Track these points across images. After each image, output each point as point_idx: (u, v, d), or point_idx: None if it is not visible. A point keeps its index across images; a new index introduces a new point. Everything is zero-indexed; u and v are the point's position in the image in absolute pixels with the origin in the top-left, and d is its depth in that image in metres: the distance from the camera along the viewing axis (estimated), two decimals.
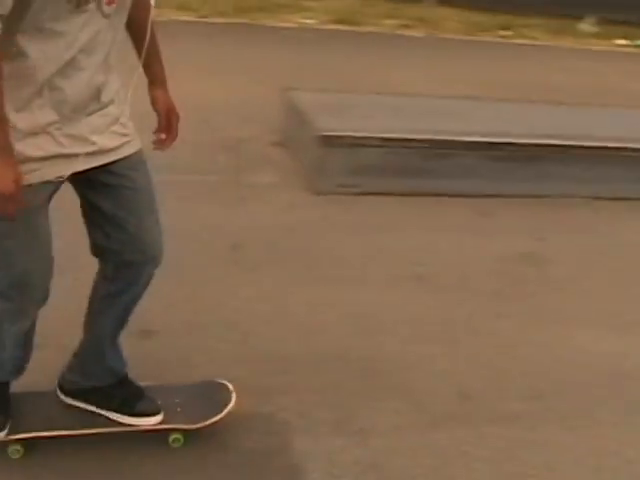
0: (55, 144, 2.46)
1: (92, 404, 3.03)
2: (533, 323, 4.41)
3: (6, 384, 2.92)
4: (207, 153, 6.40)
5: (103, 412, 3.02)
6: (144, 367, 3.29)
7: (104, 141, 2.59)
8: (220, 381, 3.27)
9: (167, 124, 2.89)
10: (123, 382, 3.08)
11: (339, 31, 12.05)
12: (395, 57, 10.33)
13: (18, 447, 2.91)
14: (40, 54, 2.31)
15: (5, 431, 2.87)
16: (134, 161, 2.72)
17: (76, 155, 2.51)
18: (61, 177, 2.52)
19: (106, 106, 2.58)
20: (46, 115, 2.41)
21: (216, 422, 3.09)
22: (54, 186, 2.54)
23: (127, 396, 3.05)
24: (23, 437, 2.89)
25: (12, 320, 2.72)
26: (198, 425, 3.06)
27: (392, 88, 8.27)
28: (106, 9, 2.37)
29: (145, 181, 2.78)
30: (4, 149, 2.32)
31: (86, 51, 2.40)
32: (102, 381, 3.03)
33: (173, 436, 3.05)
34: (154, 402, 3.07)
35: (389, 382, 3.71)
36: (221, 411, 3.11)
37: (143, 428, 3.02)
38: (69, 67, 2.38)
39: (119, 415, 3.01)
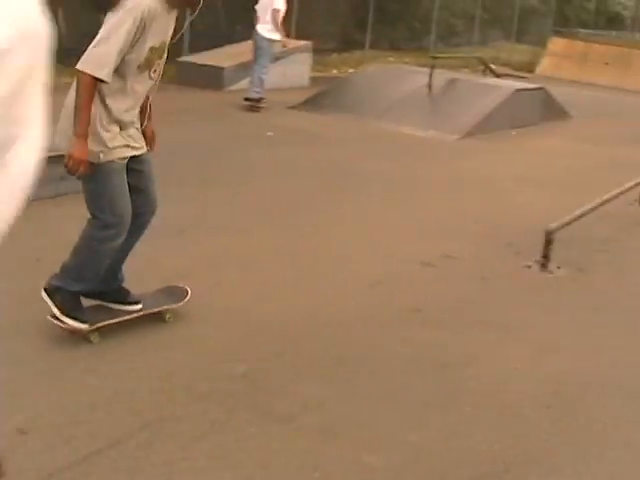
0: (121, 139, 4.57)
1: (110, 302, 5.04)
2: None
3: (79, 293, 4.83)
4: None
5: (116, 306, 5.02)
6: None
7: (139, 142, 4.75)
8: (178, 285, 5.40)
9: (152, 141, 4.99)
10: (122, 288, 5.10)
11: None
12: None
13: (96, 334, 4.82)
14: (114, 99, 4.48)
15: (87, 324, 4.75)
16: (146, 154, 4.84)
17: (130, 146, 4.64)
18: (125, 158, 4.61)
19: (136, 123, 4.74)
20: (115, 127, 4.53)
21: None
22: (122, 163, 4.61)
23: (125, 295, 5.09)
24: (98, 326, 4.81)
25: (112, 240, 4.68)
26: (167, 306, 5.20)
27: None
28: (153, 76, 4.60)
29: (150, 166, 4.89)
30: (84, 136, 4.35)
31: (138, 98, 4.62)
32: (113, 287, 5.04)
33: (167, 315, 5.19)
34: (138, 297, 5.12)
35: None
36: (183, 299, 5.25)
37: (143, 313, 5.07)
38: (130, 108, 4.58)
39: (125, 305, 5.04)
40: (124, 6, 4.26)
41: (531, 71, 27.98)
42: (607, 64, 28.06)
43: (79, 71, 4.28)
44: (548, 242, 6.87)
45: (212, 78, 15.10)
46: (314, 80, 17.13)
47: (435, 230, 7.77)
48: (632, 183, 9.13)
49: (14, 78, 1.83)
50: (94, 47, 4.29)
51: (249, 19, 14.21)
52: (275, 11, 13.54)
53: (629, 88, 25.35)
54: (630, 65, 27.99)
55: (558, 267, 6.92)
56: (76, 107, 4.32)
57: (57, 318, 4.72)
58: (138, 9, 4.25)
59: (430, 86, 14.26)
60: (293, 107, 14.08)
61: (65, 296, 4.74)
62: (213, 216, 7.56)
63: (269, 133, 11.80)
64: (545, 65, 28.47)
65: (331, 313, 5.57)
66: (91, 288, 4.85)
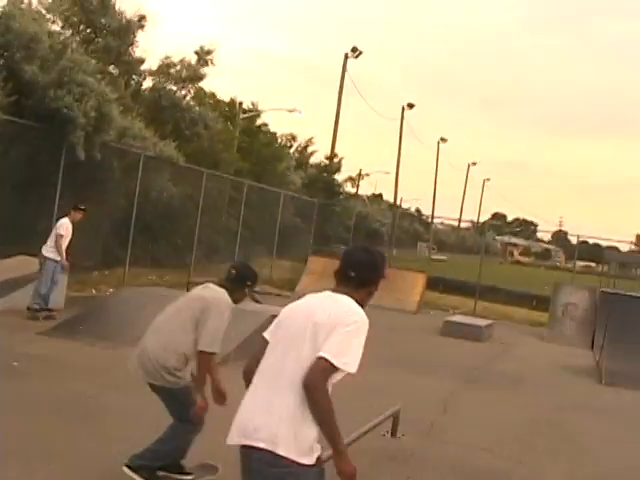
0: None
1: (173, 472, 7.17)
2: None
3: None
4: None
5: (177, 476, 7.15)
6: None
7: None
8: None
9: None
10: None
11: None
12: None
13: None
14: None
15: None
16: None
17: None
18: None
19: None
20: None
21: None
22: None
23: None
24: None
25: (192, 435, 7.01)
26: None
27: None
28: None
29: None
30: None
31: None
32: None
33: None
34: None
35: None
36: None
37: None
38: None
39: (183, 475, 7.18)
40: None
41: (292, 289, 28.57)
42: None
43: None
44: None
45: None
46: (71, 300, 16.66)
47: None
48: (382, 417, 9.23)
49: None
50: None
51: None
52: (58, 236, 15.21)
53: (385, 305, 26.20)
54: (385, 282, 28.93)
55: None
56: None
57: None
58: None
59: None
60: (43, 333, 13.55)
61: (150, 471, 6.93)
62: None
63: (15, 363, 11.23)
64: (305, 283, 29.12)
65: None
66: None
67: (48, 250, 15.15)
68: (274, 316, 14.14)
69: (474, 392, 13.78)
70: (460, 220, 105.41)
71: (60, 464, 7.39)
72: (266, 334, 4.98)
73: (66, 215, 15.68)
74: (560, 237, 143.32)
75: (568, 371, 18.06)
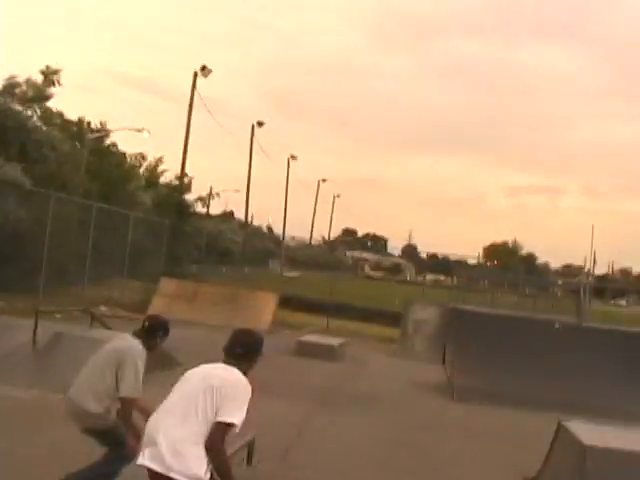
0: None
1: None
2: None
3: None
4: None
5: None
6: None
7: None
8: None
9: None
10: None
11: None
12: None
13: None
14: None
15: None
16: None
17: None
18: None
19: None
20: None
21: None
22: None
23: None
24: None
25: (123, 465, 7.45)
26: None
27: None
28: None
29: None
30: None
31: None
32: None
33: None
34: None
35: None
36: None
37: None
38: None
39: None
40: None
41: (143, 311, 28.22)
42: (216, 304, 28.99)
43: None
44: None
45: None
46: None
47: None
48: (236, 446, 9.19)
49: None
50: None
51: None
52: None
53: (237, 325, 26.11)
54: (237, 303, 29.15)
55: None
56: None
57: None
58: None
59: (34, 342, 13.84)
60: None
61: None
62: None
63: None
64: (156, 305, 28.85)
65: None
66: None
67: None
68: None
69: (329, 414, 13.85)
70: (311, 237, 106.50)
71: None
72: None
73: None
74: (410, 251, 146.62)
75: (421, 388, 18.41)
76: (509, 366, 17.89)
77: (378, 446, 11.90)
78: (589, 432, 8.55)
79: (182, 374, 6.13)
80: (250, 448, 9.82)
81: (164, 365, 16.07)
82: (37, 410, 11.51)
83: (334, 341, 23.12)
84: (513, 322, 19.08)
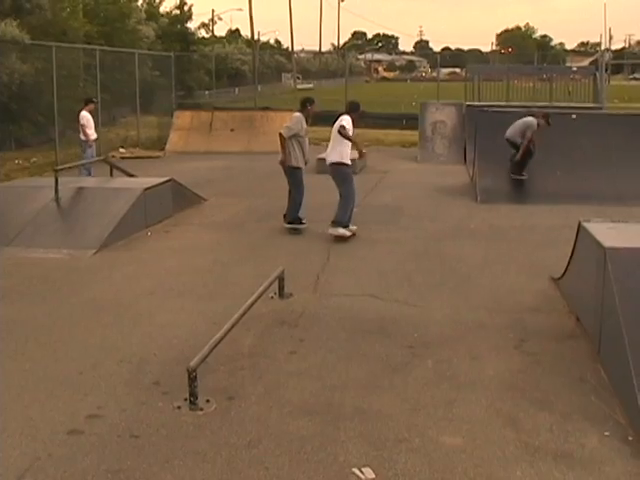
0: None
1: None
2: None
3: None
4: None
5: None
6: None
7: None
8: None
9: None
10: None
11: None
12: None
13: None
14: (297, 144, 14.18)
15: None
16: None
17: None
18: None
19: None
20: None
21: None
22: None
23: None
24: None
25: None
26: None
27: None
28: (303, 132, 14.26)
29: None
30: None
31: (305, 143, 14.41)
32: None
33: None
34: None
35: None
36: None
37: None
38: (304, 147, 14.36)
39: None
40: None
41: (162, 148, 28.28)
42: (233, 130, 28.87)
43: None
44: (192, 379, 6.83)
45: None
46: None
47: (76, 381, 7.44)
48: (267, 282, 9.37)
49: None
50: None
51: None
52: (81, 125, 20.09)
53: (256, 150, 26.21)
54: (255, 127, 29.00)
55: (207, 400, 6.88)
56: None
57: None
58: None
59: (58, 200, 13.93)
60: None
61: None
62: None
63: None
64: (174, 141, 28.89)
65: None
66: None
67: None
68: (148, 189, 14.14)
69: (356, 233, 13.97)
70: (320, 45, 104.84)
71: None
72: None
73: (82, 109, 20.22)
74: (422, 47, 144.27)
75: (445, 193, 18.49)
76: (530, 163, 17.89)
77: (406, 262, 12.06)
78: (609, 231, 8.60)
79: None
80: (281, 281, 10.00)
81: (192, 203, 16.27)
82: (70, 269, 11.75)
83: (354, 153, 22.93)
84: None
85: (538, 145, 17.57)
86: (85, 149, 20.25)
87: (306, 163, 14.59)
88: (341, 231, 13.49)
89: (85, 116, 20.22)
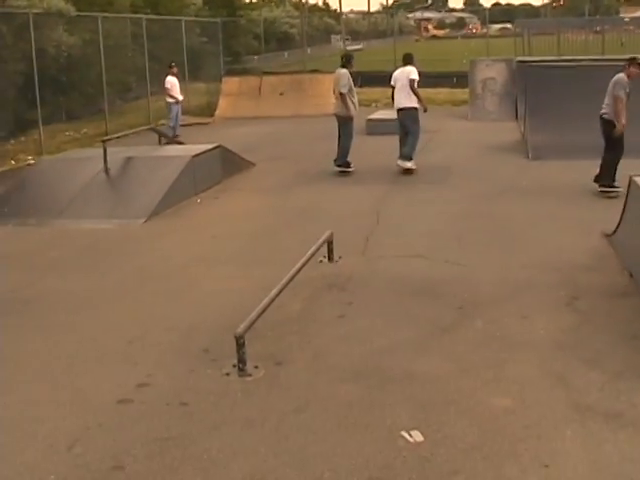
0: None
1: None
2: None
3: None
4: None
5: None
6: None
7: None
8: None
9: None
10: None
11: None
12: None
13: None
14: (350, 97, 15.88)
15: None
16: None
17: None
18: None
19: None
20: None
21: None
22: None
23: None
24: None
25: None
26: None
27: None
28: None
29: None
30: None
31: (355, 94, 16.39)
32: None
33: None
34: None
35: None
36: None
37: None
38: (355, 99, 16.19)
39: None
40: None
41: (211, 115, 28.29)
42: (282, 94, 28.75)
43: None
44: (240, 346, 6.82)
45: None
46: None
47: (125, 350, 7.50)
48: (315, 246, 9.32)
49: None
50: None
51: None
52: (167, 89, 22.38)
53: (305, 113, 26.12)
54: (304, 90, 28.83)
55: (256, 367, 6.88)
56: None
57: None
58: None
59: (107, 171, 14.00)
60: None
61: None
62: None
63: None
64: (223, 107, 28.86)
65: None
66: None
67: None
68: (196, 156, 14.17)
69: (405, 195, 13.88)
70: (369, 5, 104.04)
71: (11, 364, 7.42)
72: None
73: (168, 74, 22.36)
74: (472, 3, 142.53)
75: (496, 151, 18.27)
76: (582, 118, 17.53)
77: (455, 222, 11.96)
78: None
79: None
80: (330, 245, 9.95)
81: (241, 168, 16.27)
82: (120, 239, 11.82)
83: None
84: (581, 70, 18.40)
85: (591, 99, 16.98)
86: (171, 108, 22.31)
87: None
88: (409, 164, 15.71)
89: (170, 80, 22.25)
